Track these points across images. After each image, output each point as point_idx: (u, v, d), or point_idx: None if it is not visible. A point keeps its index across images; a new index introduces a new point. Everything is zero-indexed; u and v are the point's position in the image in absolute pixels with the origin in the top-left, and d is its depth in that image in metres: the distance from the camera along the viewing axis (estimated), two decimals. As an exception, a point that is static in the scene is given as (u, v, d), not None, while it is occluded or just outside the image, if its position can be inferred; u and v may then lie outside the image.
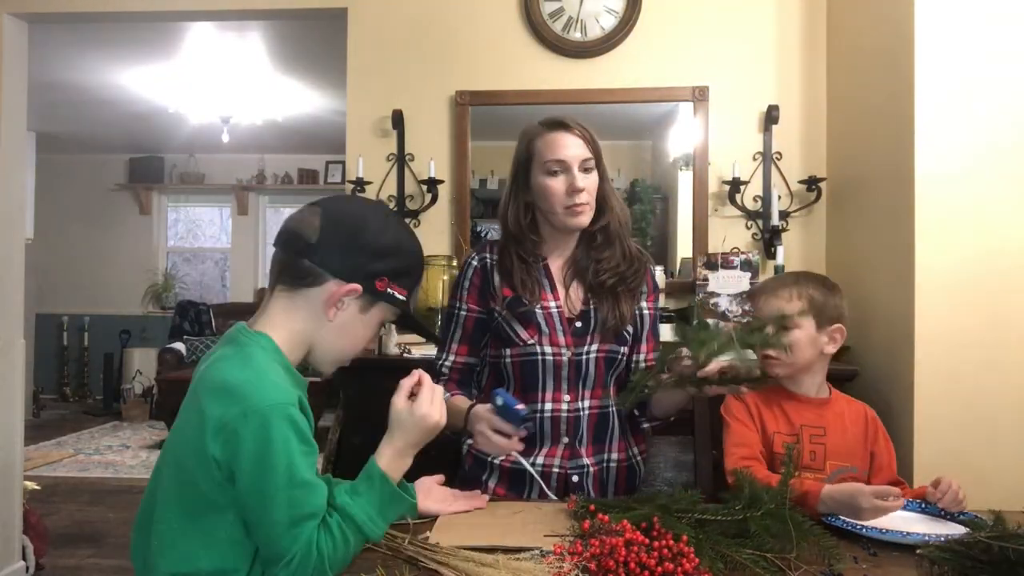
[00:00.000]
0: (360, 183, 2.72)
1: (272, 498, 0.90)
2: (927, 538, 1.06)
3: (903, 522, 1.18)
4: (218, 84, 4.75)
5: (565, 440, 1.45)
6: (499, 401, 1.25)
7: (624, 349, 1.50)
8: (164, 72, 4.59)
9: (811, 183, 2.64)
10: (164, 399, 5.41)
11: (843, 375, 2.18)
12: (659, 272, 2.55)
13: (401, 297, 1.02)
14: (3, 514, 2.64)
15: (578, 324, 1.46)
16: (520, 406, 1.24)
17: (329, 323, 1.00)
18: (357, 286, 0.98)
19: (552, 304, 1.46)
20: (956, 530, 1.14)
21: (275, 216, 7.25)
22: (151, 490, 0.98)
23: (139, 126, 5.88)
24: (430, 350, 2.39)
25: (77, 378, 6.97)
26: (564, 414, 1.44)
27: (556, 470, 1.43)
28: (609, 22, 2.73)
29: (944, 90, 2.01)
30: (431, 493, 1.24)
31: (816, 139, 2.71)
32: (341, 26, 2.85)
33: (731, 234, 2.70)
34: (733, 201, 2.67)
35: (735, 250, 2.61)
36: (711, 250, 2.65)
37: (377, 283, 0.99)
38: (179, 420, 0.98)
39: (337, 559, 0.95)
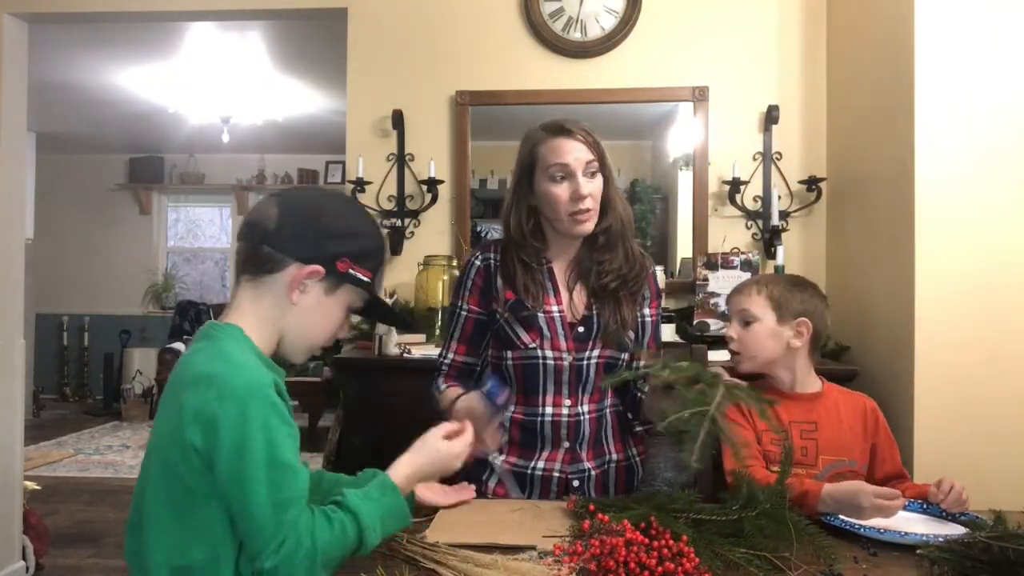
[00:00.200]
0: (360, 183, 2.72)
1: (253, 481, 0.89)
2: (925, 538, 1.06)
3: (902, 522, 1.18)
4: (218, 84, 4.74)
5: (566, 445, 1.44)
6: (487, 386, 1.29)
7: (625, 356, 1.50)
8: (164, 72, 4.59)
9: (811, 183, 2.64)
10: (164, 399, 5.40)
11: (843, 375, 2.18)
12: (659, 272, 2.57)
13: (365, 279, 1.02)
14: (3, 514, 2.64)
15: (580, 329, 1.45)
16: (501, 398, 1.28)
17: (294, 307, 1.01)
18: (318, 267, 0.99)
19: (555, 308, 1.45)
20: (955, 530, 1.14)
21: (275, 216, 7.23)
22: (139, 489, 0.99)
23: (139, 126, 5.88)
24: (430, 350, 2.40)
25: (77, 378, 6.97)
26: (565, 418, 1.44)
27: (557, 474, 1.43)
28: (609, 22, 2.73)
29: (944, 90, 2.01)
30: (431, 485, 1.25)
31: (816, 139, 2.71)
32: (341, 26, 2.85)
33: (731, 234, 2.70)
34: (733, 201, 2.67)
35: (735, 250, 2.61)
36: (711, 250, 2.66)
37: (339, 264, 1.00)
38: (158, 418, 0.99)
39: (332, 556, 0.94)
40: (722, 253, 2.58)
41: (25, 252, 2.91)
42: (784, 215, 2.63)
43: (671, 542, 0.94)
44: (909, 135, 2.03)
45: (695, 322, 2.50)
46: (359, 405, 2.35)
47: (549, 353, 1.44)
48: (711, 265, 2.56)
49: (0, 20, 2.80)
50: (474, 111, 2.77)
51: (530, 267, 1.46)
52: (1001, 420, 1.97)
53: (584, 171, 1.40)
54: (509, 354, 1.46)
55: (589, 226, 1.42)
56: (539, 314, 1.43)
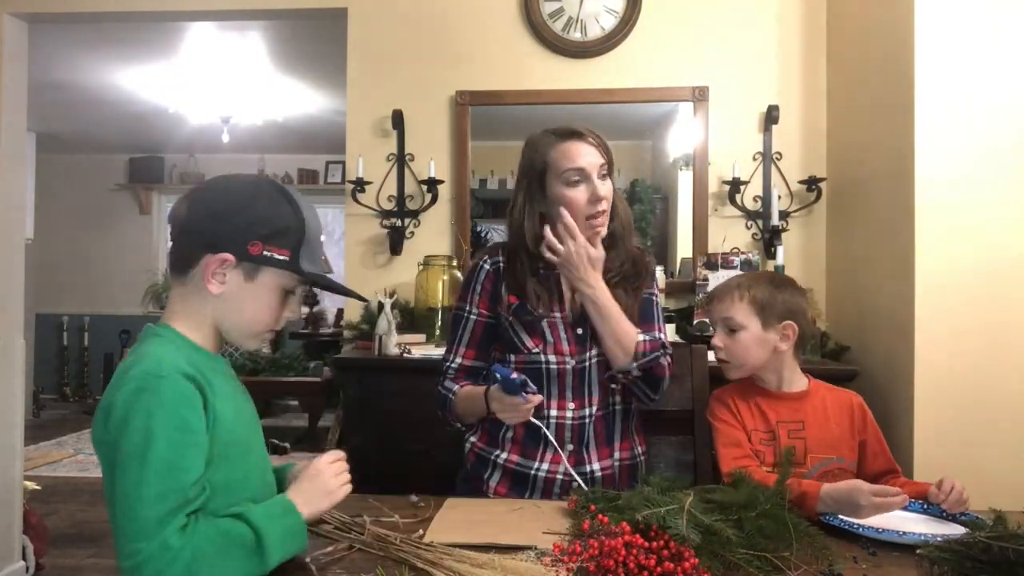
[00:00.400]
0: (360, 183, 2.72)
1: (123, 468, 0.88)
2: (924, 537, 1.06)
3: (902, 522, 1.18)
4: (218, 84, 4.74)
5: (570, 447, 1.44)
6: (497, 377, 1.29)
7: None
8: (164, 72, 4.59)
9: (811, 183, 2.64)
10: (164, 399, 5.39)
11: (843, 375, 2.18)
12: (659, 272, 2.57)
13: (282, 258, 1.00)
14: (3, 514, 2.64)
15: (579, 331, 1.46)
16: (513, 375, 1.27)
17: (219, 298, 1.01)
18: (227, 255, 0.99)
19: (557, 314, 1.46)
20: (955, 530, 1.14)
21: (275, 216, 7.24)
22: None
23: (139, 126, 5.87)
24: (430, 350, 2.40)
25: (77, 378, 6.97)
26: (569, 421, 1.44)
27: (559, 477, 1.43)
28: (609, 22, 2.73)
29: (944, 90, 2.01)
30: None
31: (816, 139, 2.71)
32: (341, 26, 2.85)
33: (731, 234, 2.70)
34: (733, 201, 2.67)
35: (735, 250, 2.61)
36: (711, 250, 2.65)
37: (250, 248, 0.99)
38: None
39: (215, 564, 0.89)
40: (722, 253, 2.58)
41: (25, 252, 2.91)
42: (784, 215, 2.63)
43: (671, 544, 0.94)
44: (909, 135, 2.03)
45: (695, 322, 2.50)
46: (359, 405, 2.35)
47: (552, 358, 1.44)
48: (711, 265, 2.56)
49: (0, 20, 2.80)
50: (474, 111, 2.77)
51: (538, 269, 1.46)
52: (1001, 420, 1.97)
53: (598, 174, 1.41)
54: (512, 357, 1.48)
55: (604, 229, 1.43)
56: (543, 320, 1.44)
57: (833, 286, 2.63)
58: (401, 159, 2.80)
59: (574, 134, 1.42)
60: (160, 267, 7.06)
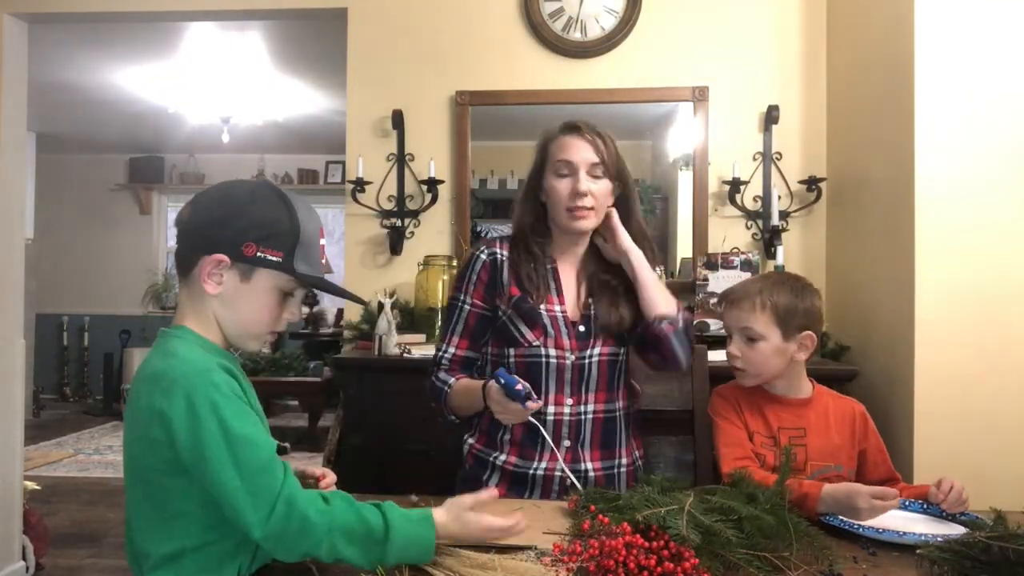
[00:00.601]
0: (360, 183, 2.72)
1: (215, 461, 0.91)
2: (924, 537, 1.06)
3: (902, 522, 1.18)
4: (218, 84, 4.74)
5: (567, 444, 1.44)
6: (501, 382, 1.28)
7: (623, 350, 1.50)
8: (164, 72, 4.59)
9: (811, 183, 2.64)
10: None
11: (843, 375, 2.18)
12: (659, 272, 2.57)
13: (275, 259, 1.01)
14: (3, 514, 2.64)
15: (581, 328, 1.46)
16: (519, 386, 1.25)
17: (217, 299, 1.03)
18: (220, 256, 1.00)
19: (557, 308, 1.46)
20: (955, 530, 1.14)
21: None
22: (126, 497, 1.02)
23: (139, 126, 5.87)
24: (430, 350, 2.39)
25: (77, 378, 6.97)
26: (566, 418, 1.44)
27: (558, 474, 1.43)
28: (609, 22, 2.73)
29: (944, 90, 2.01)
30: (485, 509, 1.10)
31: (816, 139, 2.71)
32: (341, 26, 2.85)
33: (731, 234, 2.70)
34: (733, 201, 2.67)
35: (735, 250, 2.61)
36: (711, 250, 2.65)
37: (244, 250, 1.00)
38: (126, 420, 1.02)
39: (346, 527, 0.94)
40: (722, 253, 2.58)
41: (25, 252, 2.91)
42: (784, 215, 2.63)
43: (671, 544, 0.94)
44: (909, 135, 2.03)
45: (695, 322, 2.50)
46: (359, 405, 2.35)
47: (552, 352, 1.44)
48: (711, 265, 2.56)
49: (0, 20, 2.80)
50: (474, 111, 2.77)
51: (535, 257, 1.47)
52: (1001, 420, 1.97)
53: (589, 171, 1.42)
54: (511, 351, 1.47)
55: (585, 224, 1.44)
56: (542, 312, 1.44)
57: (833, 286, 2.63)
58: (401, 159, 2.80)
59: (573, 129, 1.46)
60: (160, 267, 7.07)
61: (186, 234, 1.04)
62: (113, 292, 6.93)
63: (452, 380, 1.49)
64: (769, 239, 2.64)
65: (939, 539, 1.02)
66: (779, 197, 2.62)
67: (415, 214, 2.79)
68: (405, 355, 2.37)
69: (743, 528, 1.00)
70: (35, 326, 6.27)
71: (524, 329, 1.45)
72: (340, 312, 5.22)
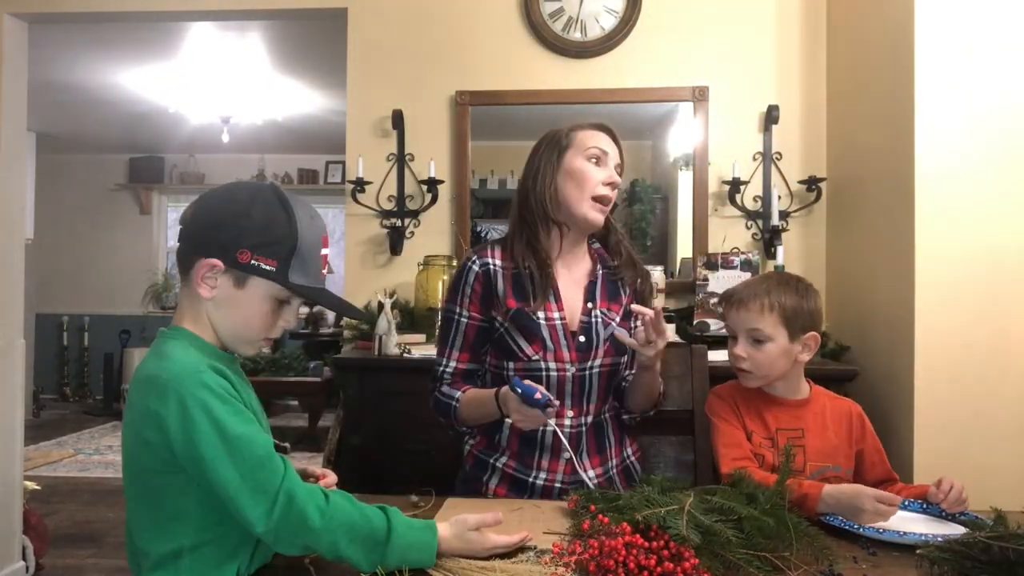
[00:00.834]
0: (360, 183, 2.72)
1: (212, 460, 0.91)
2: (924, 538, 1.06)
3: (902, 522, 1.18)
4: (218, 84, 4.74)
5: (566, 456, 1.43)
6: (518, 392, 1.26)
7: (624, 359, 1.50)
8: (164, 72, 4.59)
9: (811, 183, 2.64)
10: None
11: (843, 375, 2.18)
12: (659, 272, 2.57)
13: (268, 268, 1.00)
14: (3, 514, 2.64)
15: (581, 339, 1.44)
16: (538, 395, 1.24)
17: (211, 303, 1.03)
18: (214, 261, 1.00)
19: (556, 315, 1.43)
20: (955, 530, 1.14)
21: (275, 216, 7.24)
22: (126, 490, 1.02)
23: (139, 126, 5.88)
24: (430, 350, 2.39)
25: (77, 378, 6.97)
26: (567, 430, 1.43)
27: (558, 485, 1.42)
28: (609, 22, 2.73)
29: (944, 90, 2.01)
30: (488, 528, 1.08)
31: (816, 139, 2.71)
32: (341, 26, 2.85)
33: (731, 234, 2.70)
34: (733, 201, 2.67)
35: (735, 250, 2.61)
36: (711, 250, 2.65)
37: (239, 256, 0.99)
38: (124, 422, 1.03)
39: (348, 522, 0.94)
40: (722, 253, 2.58)
41: (25, 252, 2.91)
42: (784, 215, 2.63)
43: (671, 544, 0.94)
44: (909, 135, 2.03)
45: (695, 322, 2.50)
46: (359, 405, 2.35)
47: (552, 365, 1.42)
48: (711, 265, 2.56)
49: (0, 20, 2.80)
50: (474, 111, 2.77)
51: (536, 256, 1.44)
52: (1001, 420, 1.97)
53: (614, 168, 1.45)
54: (510, 365, 1.44)
55: (602, 218, 1.45)
56: (541, 322, 1.41)
57: (833, 286, 2.63)
58: (401, 159, 2.80)
59: (603, 127, 1.47)
60: (160, 267, 7.07)
61: (187, 234, 1.04)
62: (113, 292, 6.94)
63: (458, 394, 1.46)
64: (769, 239, 2.64)
65: (939, 539, 1.02)
66: (779, 197, 2.62)
67: (415, 214, 2.79)
68: (405, 355, 2.37)
69: (743, 528, 1.00)
70: (35, 326, 6.28)
71: (523, 343, 1.42)
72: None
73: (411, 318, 2.64)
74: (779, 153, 2.68)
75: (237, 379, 1.03)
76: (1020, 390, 1.96)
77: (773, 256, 2.59)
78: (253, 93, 4.93)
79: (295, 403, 5.94)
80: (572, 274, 1.49)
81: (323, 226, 1.08)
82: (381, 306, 2.45)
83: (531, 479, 1.43)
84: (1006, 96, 1.98)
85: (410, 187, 2.81)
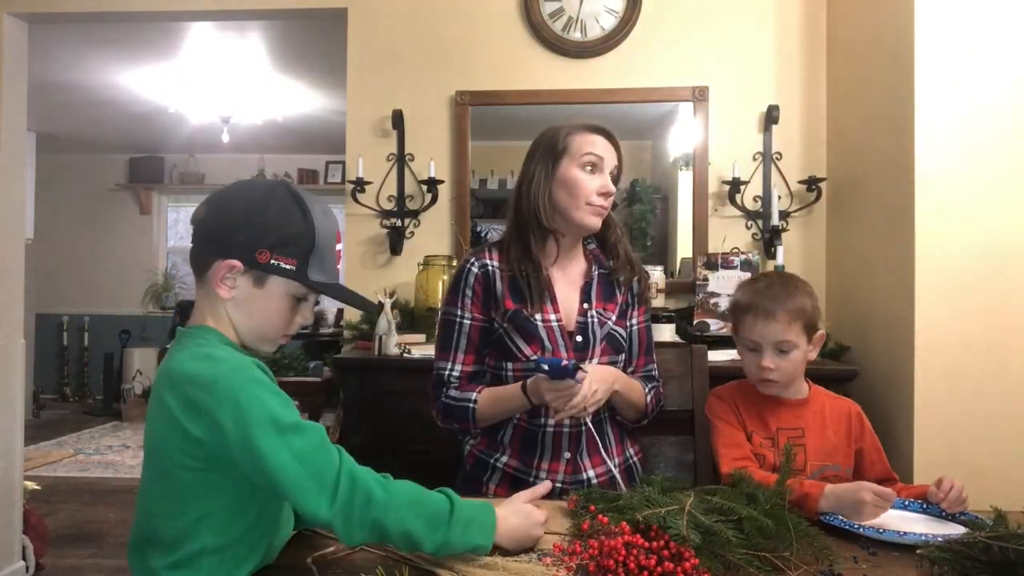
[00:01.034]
0: (360, 183, 2.72)
1: (269, 451, 0.91)
2: (924, 538, 1.06)
3: (902, 522, 1.18)
4: (218, 84, 4.74)
5: (567, 456, 1.44)
6: (545, 368, 1.25)
7: (622, 357, 1.50)
8: (164, 72, 4.59)
9: (811, 183, 2.64)
10: (164, 399, 5.39)
11: (843, 375, 2.18)
12: (659, 272, 2.57)
13: (288, 267, 1.01)
14: (3, 514, 2.64)
15: (579, 339, 1.44)
16: (564, 362, 1.24)
17: (230, 302, 1.03)
18: (234, 261, 1.00)
19: (552, 316, 1.44)
20: (955, 530, 1.14)
21: (275, 216, 7.24)
22: (142, 495, 1.00)
23: (139, 126, 5.88)
24: (430, 350, 2.39)
25: (77, 378, 6.97)
26: (566, 430, 1.44)
27: (558, 485, 1.42)
28: (609, 22, 2.73)
29: (944, 90, 2.01)
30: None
31: (816, 139, 2.71)
32: (341, 26, 2.85)
33: (731, 234, 2.70)
34: (733, 201, 2.67)
35: (735, 250, 2.61)
36: (711, 250, 2.65)
37: (258, 256, 1.00)
38: (148, 425, 1.00)
39: (413, 499, 0.97)
40: (722, 253, 2.58)
41: (25, 252, 2.91)
42: (784, 215, 2.63)
43: (671, 544, 0.94)
44: (909, 135, 2.03)
45: (695, 322, 2.50)
46: (359, 405, 2.35)
47: None
48: (711, 265, 2.56)
49: (0, 20, 2.80)
50: (474, 111, 2.77)
51: (532, 259, 1.45)
52: (1001, 420, 1.97)
53: (610, 172, 1.45)
54: (509, 365, 1.45)
55: (599, 222, 1.45)
56: (539, 323, 1.42)
57: (833, 286, 2.63)
58: (401, 159, 2.80)
59: (602, 130, 1.46)
60: (160, 267, 7.08)
61: (201, 235, 1.03)
62: (113, 292, 6.94)
63: (474, 395, 1.44)
64: (769, 239, 2.64)
65: (939, 539, 1.02)
66: (779, 197, 2.62)
67: (415, 214, 2.79)
68: (405, 355, 2.37)
69: (743, 528, 1.00)
70: (35, 326, 6.28)
71: (521, 344, 1.43)
72: (340, 312, 5.22)
73: (411, 318, 2.64)
74: (779, 153, 2.68)
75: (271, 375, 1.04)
76: (1020, 390, 1.96)
77: (773, 256, 2.59)
78: (253, 93, 4.93)
79: (295, 403, 5.93)
80: (567, 275, 1.50)
81: (336, 222, 1.09)
82: (381, 306, 2.45)
83: (531, 479, 1.43)
84: (1006, 96, 1.98)
85: (410, 187, 2.81)
